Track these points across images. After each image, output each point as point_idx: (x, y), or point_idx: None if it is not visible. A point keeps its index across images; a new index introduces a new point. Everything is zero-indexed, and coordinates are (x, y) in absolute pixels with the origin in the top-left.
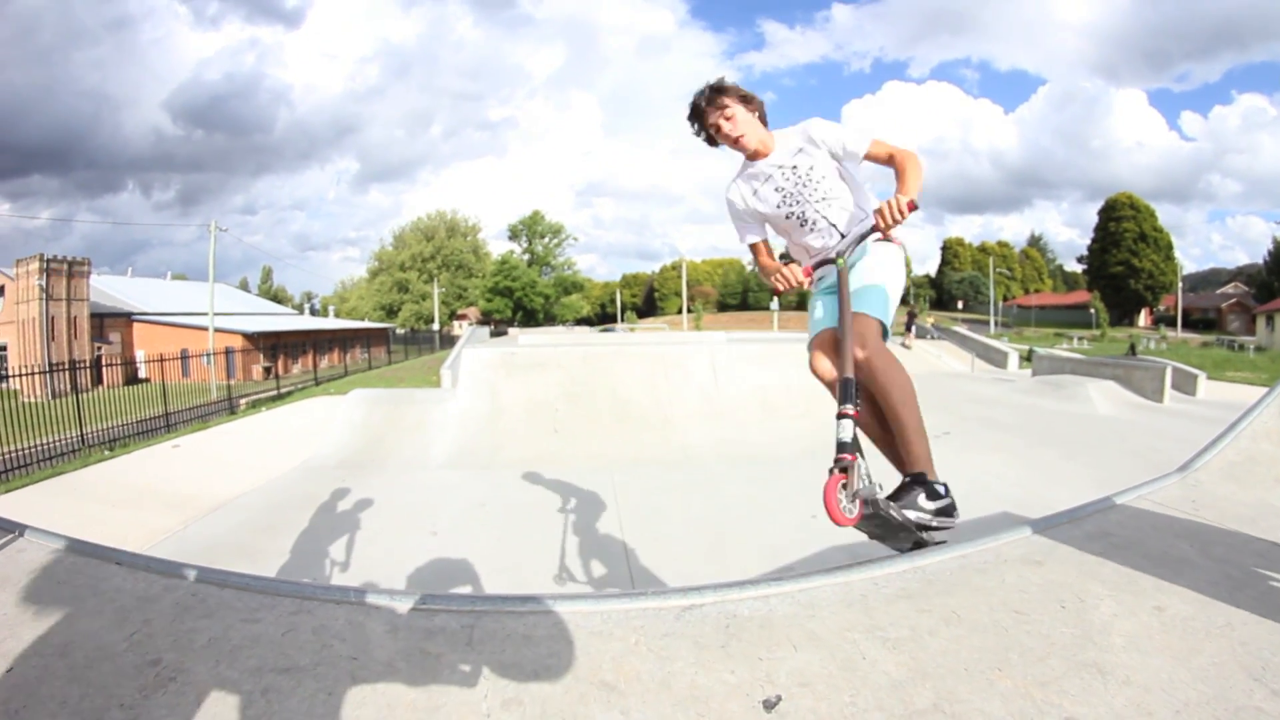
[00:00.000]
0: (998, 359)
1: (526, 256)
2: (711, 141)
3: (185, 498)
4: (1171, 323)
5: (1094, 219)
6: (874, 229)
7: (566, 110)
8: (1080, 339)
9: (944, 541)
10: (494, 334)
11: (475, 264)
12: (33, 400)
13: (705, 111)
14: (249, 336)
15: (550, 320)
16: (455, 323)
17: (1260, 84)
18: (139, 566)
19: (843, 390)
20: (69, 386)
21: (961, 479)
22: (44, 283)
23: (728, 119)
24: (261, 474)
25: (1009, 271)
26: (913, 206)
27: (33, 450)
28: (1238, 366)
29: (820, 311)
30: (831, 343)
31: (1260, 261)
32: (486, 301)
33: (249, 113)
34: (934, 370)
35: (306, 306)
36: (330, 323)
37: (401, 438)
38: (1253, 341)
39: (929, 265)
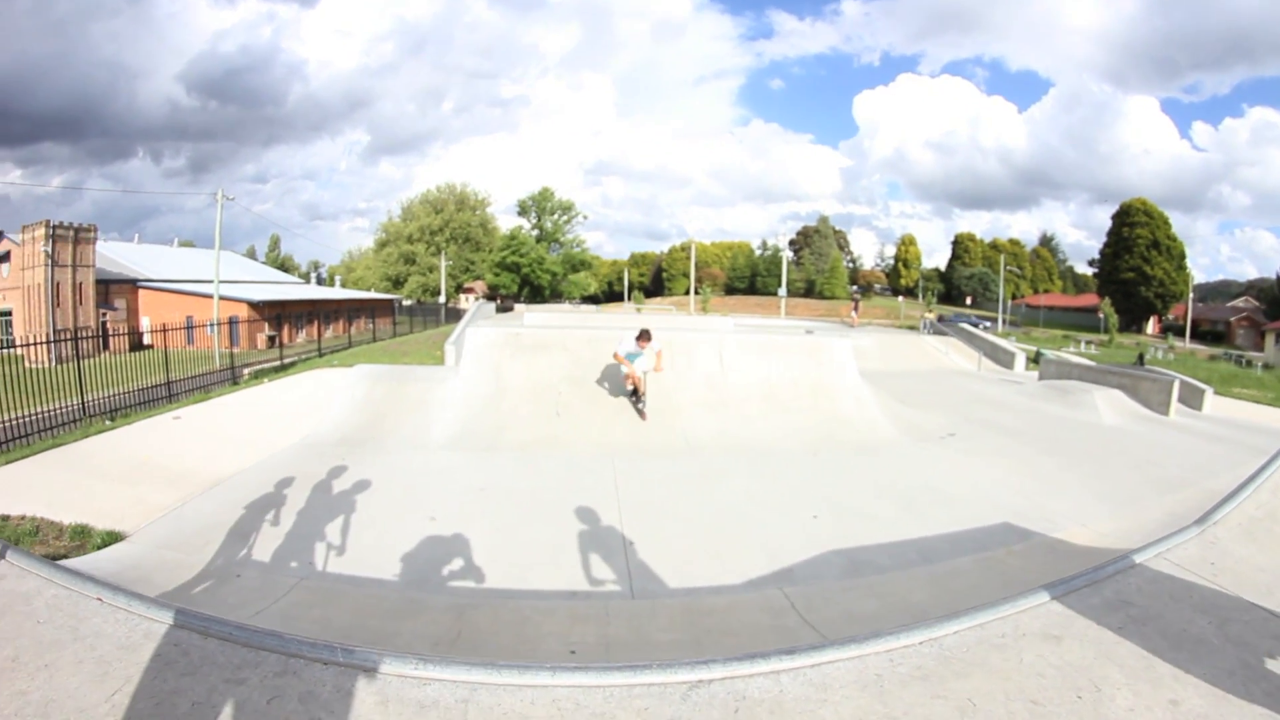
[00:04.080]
0: (1005, 359)
1: (535, 232)
2: None
3: (184, 473)
4: (1180, 332)
5: (1101, 222)
6: None
7: (579, 90)
8: (1088, 343)
9: None
10: (500, 309)
11: (483, 238)
12: (36, 365)
13: None
14: (254, 305)
15: (557, 297)
16: (461, 296)
17: (1271, 98)
18: (119, 605)
19: None
20: (72, 352)
21: (965, 485)
22: (50, 248)
23: None
24: (262, 449)
25: (1019, 270)
26: None
27: (34, 419)
28: (1245, 383)
29: None
30: None
31: (1273, 276)
32: (494, 276)
33: (263, 85)
34: (940, 367)
35: (313, 276)
36: (336, 293)
37: (402, 416)
38: (1261, 358)
39: (938, 258)
